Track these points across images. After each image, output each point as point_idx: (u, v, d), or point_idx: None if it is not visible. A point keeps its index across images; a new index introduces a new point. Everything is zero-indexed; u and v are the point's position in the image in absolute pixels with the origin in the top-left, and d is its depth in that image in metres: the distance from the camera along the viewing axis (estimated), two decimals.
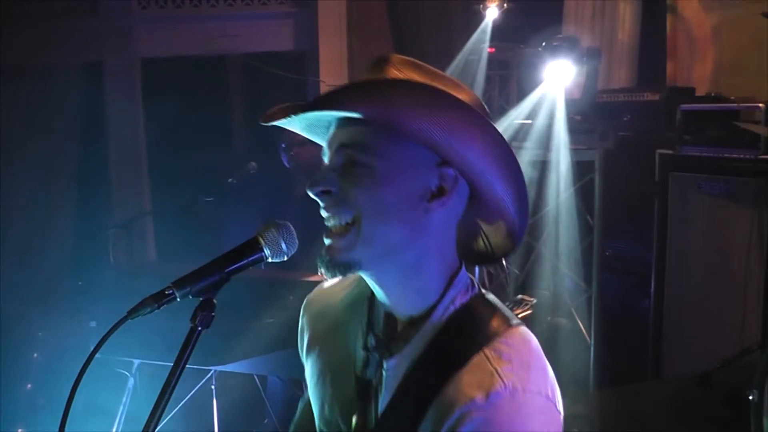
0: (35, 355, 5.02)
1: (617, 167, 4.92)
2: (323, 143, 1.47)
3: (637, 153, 4.91)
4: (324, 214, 1.40)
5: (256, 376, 4.63)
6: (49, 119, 6.04)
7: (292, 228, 1.49)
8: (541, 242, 5.25)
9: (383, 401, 1.42)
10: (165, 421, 4.13)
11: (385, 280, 1.42)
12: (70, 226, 6.28)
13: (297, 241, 1.49)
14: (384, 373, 1.43)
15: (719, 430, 3.75)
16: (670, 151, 4.68)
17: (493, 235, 1.49)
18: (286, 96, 6.44)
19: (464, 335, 1.37)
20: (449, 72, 5.16)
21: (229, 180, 4.80)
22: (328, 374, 1.57)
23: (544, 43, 4.80)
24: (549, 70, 4.78)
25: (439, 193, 1.37)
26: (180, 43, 6.42)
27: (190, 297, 1.43)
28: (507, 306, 1.47)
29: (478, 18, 5.41)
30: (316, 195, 1.40)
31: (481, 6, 5.40)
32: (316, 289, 1.73)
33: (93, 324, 4.03)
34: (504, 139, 1.35)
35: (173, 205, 5.33)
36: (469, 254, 1.51)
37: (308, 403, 1.67)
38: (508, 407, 1.26)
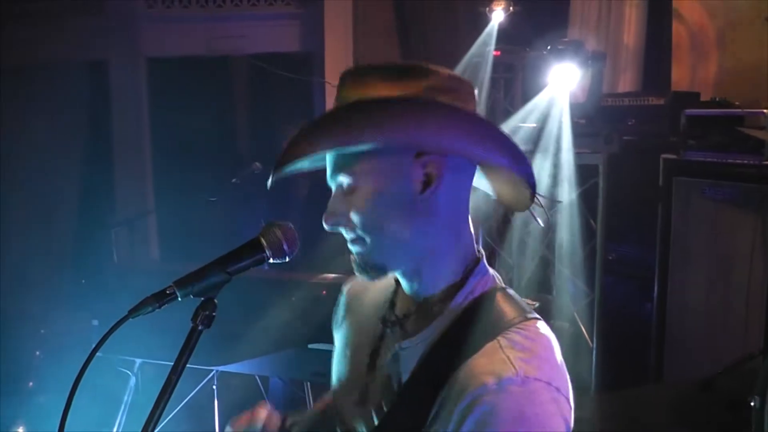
0: (37, 353, 5.04)
1: (621, 171, 4.91)
2: None
3: (641, 157, 4.90)
4: (345, 235, 1.48)
5: (257, 377, 4.63)
6: (54, 117, 6.05)
7: (294, 229, 1.50)
8: (543, 246, 5.25)
9: (400, 383, 1.46)
10: (166, 420, 4.14)
11: (408, 273, 1.48)
12: (74, 224, 6.29)
13: (299, 241, 1.51)
14: (400, 353, 1.47)
15: None
16: (675, 156, 4.67)
17: (510, 187, 1.52)
18: (291, 97, 6.45)
19: (481, 323, 1.41)
20: None
21: (233, 180, 4.81)
22: (349, 349, 1.64)
23: (549, 47, 4.79)
24: (554, 74, 4.77)
25: (429, 180, 1.41)
26: (186, 43, 6.44)
27: (192, 297, 1.44)
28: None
29: (484, 21, 5.41)
30: (331, 228, 1.47)
31: (487, 9, 5.40)
32: (354, 279, 1.76)
33: (95, 322, 4.04)
34: (467, 110, 1.41)
35: (177, 205, 5.34)
36: (508, 204, 1.58)
37: None
38: (518, 393, 1.29)
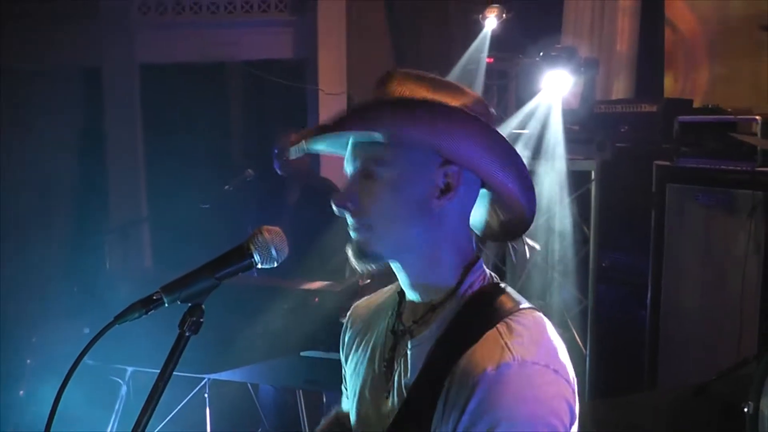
0: (28, 361, 5.01)
1: (614, 178, 4.92)
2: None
3: (635, 164, 4.90)
4: (348, 220, 1.50)
5: (249, 385, 4.62)
6: (47, 123, 6.04)
7: (282, 234, 1.49)
8: (537, 252, 5.24)
9: (409, 381, 1.50)
10: (158, 429, 4.13)
11: (408, 269, 1.53)
12: (67, 232, 6.28)
13: (287, 247, 1.50)
14: (408, 352, 1.51)
15: None
16: (667, 163, 4.67)
17: (509, 215, 1.57)
18: (285, 104, 6.45)
19: (480, 314, 1.46)
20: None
21: (226, 187, 4.80)
22: (363, 364, 1.66)
23: (541, 53, 4.80)
24: (547, 80, 4.77)
25: (447, 189, 1.47)
26: (179, 50, 6.44)
27: (179, 302, 1.43)
28: None
29: (477, 28, 5.41)
30: (339, 209, 1.49)
31: (480, 16, 5.40)
32: (361, 300, 1.86)
33: (86, 330, 4.02)
34: (498, 133, 1.45)
35: (170, 212, 5.33)
36: (491, 232, 1.63)
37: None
38: (516, 377, 1.34)
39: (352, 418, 1.69)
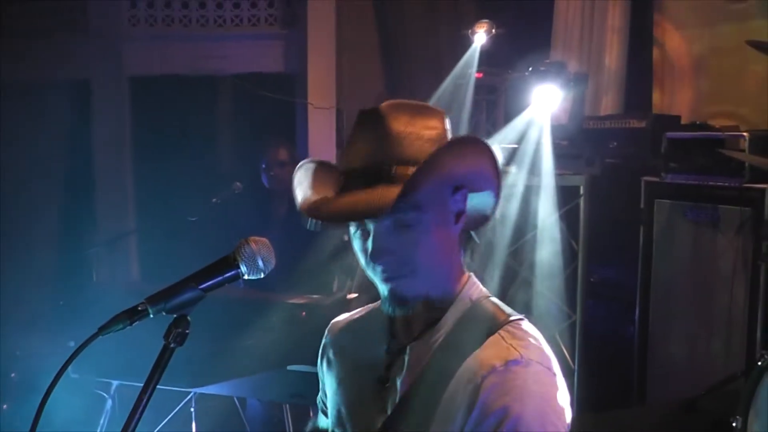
0: (12, 374, 4.97)
1: (603, 193, 4.92)
2: None
3: (623, 180, 4.91)
4: (382, 275, 1.51)
5: (236, 399, 4.58)
6: (35, 136, 6.01)
7: (269, 244, 1.48)
8: (525, 267, 5.23)
9: (404, 385, 1.54)
10: None
11: (420, 296, 1.54)
12: (53, 245, 6.24)
13: (274, 258, 1.48)
14: (405, 358, 1.56)
15: None
16: (656, 179, 4.68)
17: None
18: (274, 117, 6.44)
19: (478, 324, 1.53)
20: (437, 96, 5.18)
21: (213, 200, 4.79)
22: (348, 380, 1.68)
23: (531, 68, 4.80)
24: (536, 95, 4.78)
25: (460, 213, 1.56)
26: (169, 63, 6.43)
27: (164, 314, 1.41)
28: None
29: (467, 43, 5.41)
30: (383, 266, 1.50)
31: (470, 31, 5.40)
32: (337, 319, 1.88)
33: (71, 344, 3.98)
34: (494, 155, 1.52)
35: (157, 225, 5.31)
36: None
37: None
38: (524, 373, 1.42)
39: (332, 429, 1.70)
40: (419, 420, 1.48)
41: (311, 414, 4.28)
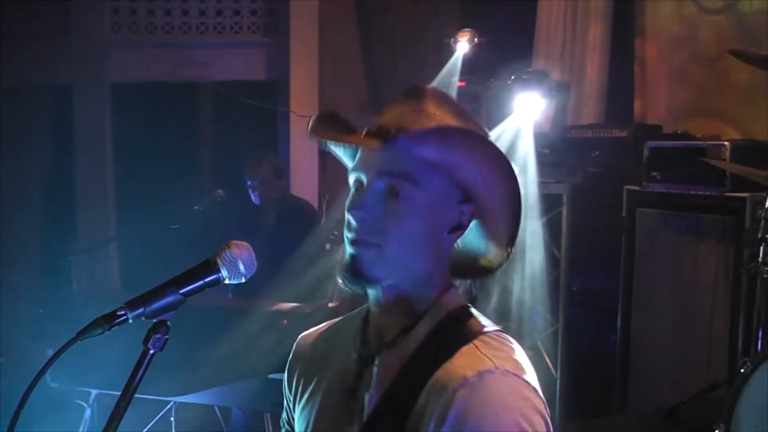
0: None
1: (585, 202, 4.93)
2: (348, 160, 1.53)
3: (605, 188, 4.92)
4: (350, 234, 1.44)
5: (217, 408, 4.55)
6: (16, 141, 5.97)
7: (251, 249, 1.46)
8: (507, 275, 5.22)
9: (373, 398, 1.45)
10: None
11: (391, 294, 1.46)
12: (33, 252, 6.19)
13: (256, 262, 1.46)
14: (374, 369, 1.46)
15: None
16: (638, 188, 4.69)
17: (488, 254, 1.55)
18: (256, 125, 6.44)
19: (452, 334, 1.43)
20: None
21: (195, 207, 4.77)
22: (318, 391, 1.57)
23: (513, 76, 4.81)
24: (518, 103, 4.78)
25: (458, 226, 1.46)
26: (151, 69, 6.41)
27: (144, 318, 1.39)
28: None
29: (450, 51, 5.42)
30: (353, 218, 1.43)
31: (452, 40, 5.42)
32: (307, 332, 1.75)
33: (50, 352, 3.94)
34: (517, 182, 1.45)
35: (138, 232, 5.27)
36: (468, 271, 1.57)
37: None
38: (499, 383, 1.32)
39: None
40: None
41: None
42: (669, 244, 4.56)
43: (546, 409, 1.36)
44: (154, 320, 1.39)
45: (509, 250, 1.51)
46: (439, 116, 1.45)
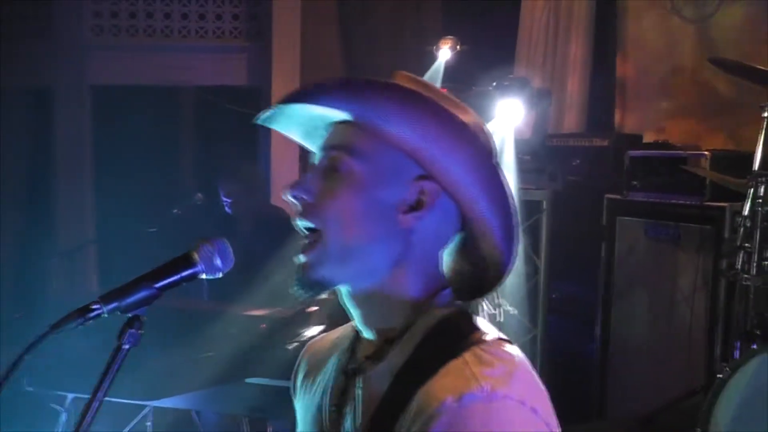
0: None
1: (565, 209, 4.95)
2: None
3: (585, 197, 4.94)
4: (296, 221, 1.34)
5: (194, 413, 4.52)
6: None
7: (227, 244, 1.43)
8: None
9: (357, 421, 1.33)
10: None
11: (358, 293, 1.35)
12: (11, 255, 6.13)
13: (233, 257, 1.44)
14: (359, 393, 1.33)
15: None
16: (618, 196, 4.71)
17: (479, 260, 1.38)
18: (237, 130, 6.42)
19: (443, 344, 1.25)
20: None
21: (174, 210, 4.75)
22: (310, 410, 1.48)
23: (494, 83, 4.82)
24: (499, 109, 4.79)
25: (417, 206, 1.30)
26: (132, 72, 6.37)
27: (119, 313, 1.37)
28: None
29: (432, 58, 5.43)
30: (291, 198, 1.34)
31: (434, 47, 5.42)
32: (318, 337, 1.63)
33: (27, 356, 3.90)
34: (498, 165, 1.32)
35: (117, 235, 5.25)
36: (462, 287, 1.40)
37: None
38: (482, 412, 1.12)
39: None
40: None
41: (269, 428, 4.23)
42: (648, 253, 4.58)
43: (546, 426, 1.18)
44: (129, 315, 1.38)
45: (509, 247, 1.34)
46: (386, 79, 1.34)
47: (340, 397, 1.38)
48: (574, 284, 5.15)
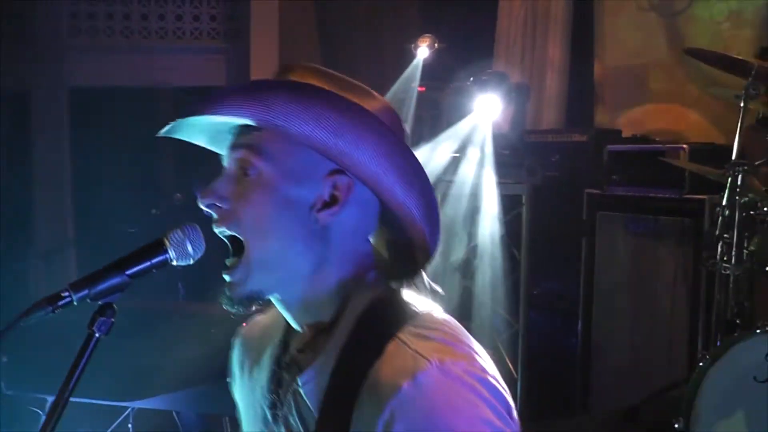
0: None
1: (545, 204, 4.95)
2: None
3: (565, 192, 4.94)
4: (215, 228, 1.35)
5: (175, 413, 4.49)
6: None
7: (199, 230, 1.42)
8: (467, 276, 5.20)
9: (302, 424, 1.33)
10: None
11: (287, 299, 1.36)
12: None
13: (204, 243, 1.42)
14: (300, 390, 1.32)
15: None
16: (598, 191, 4.71)
17: (408, 249, 1.38)
18: None
19: (376, 328, 1.27)
20: None
21: (153, 211, 4.73)
22: (252, 407, 1.49)
23: (472, 78, 4.82)
24: (478, 104, 4.79)
25: (332, 202, 1.31)
26: (110, 74, 6.33)
27: (89, 300, 1.35)
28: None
29: (410, 56, 5.43)
30: (205, 207, 1.35)
31: (413, 45, 5.42)
32: (250, 321, 1.63)
33: (5, 359, 3.88)
34: (409, 148, 1.31)
35: (97, 236, 5.22)
36: (392, 272, 1.40)
37: None
38: (442, 384, 1.16)
39: None
40: None
41: None
42: (629, 247, 4.59)
43: (501, 385, 1.22)
44: (100, 303, 1.35)
45: (433, 227, 1.35)
46: (297, 79, 1.33)
47: (274, 390, 1.39)
48: (556, 280, 5.14)
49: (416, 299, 1.33)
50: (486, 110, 4.76)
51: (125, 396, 3.74)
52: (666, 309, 4.34)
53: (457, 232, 4.95)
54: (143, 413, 4.29)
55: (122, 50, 6.39)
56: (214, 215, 1.34)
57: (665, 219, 4.41)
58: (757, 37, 4.68)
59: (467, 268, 5.13)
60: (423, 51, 5.39)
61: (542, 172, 4.87)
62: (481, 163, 4.82)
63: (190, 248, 1.39)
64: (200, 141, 1.44)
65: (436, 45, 5.40)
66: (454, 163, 4.92)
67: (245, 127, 1.32)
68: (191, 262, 1.41)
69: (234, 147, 1.33)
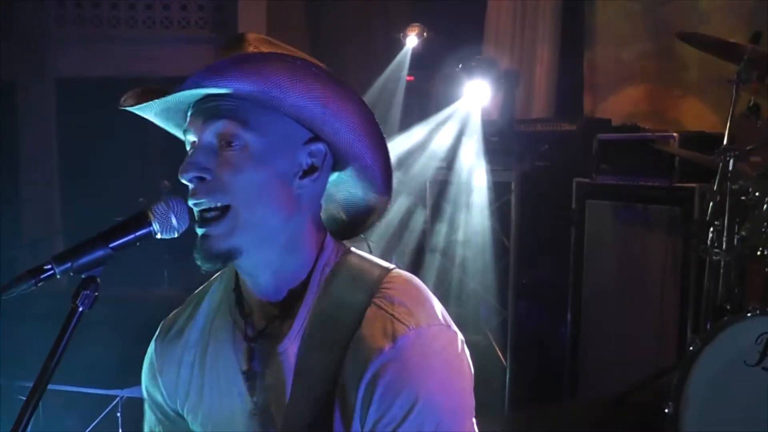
0: None
1: (534, 193, 4.93)
2: (178, 131, 1.45)
3: (555, 181, 4.92)
4: (192, 201, 1.34)
5: None
6: None
7: (184, 203, 1.40)
8: (456, 263, 5.19)
9: (283, 389, 1.36)
10: None
11: (261, 264, 1.38)
12: None
13: (188, 217, 1.40)
14: (280, 357, 1.37)
15: None
16: (587, 180, 4.70)
17: (366, 211, 1.50)
18: None
19: (348, 290, 1.37)
20: (367, 99, 5.14)
21: (140, 199, 4.70)
22: (206, 386, 1.49)
23: (461, 64, 4.80)
24: (467, 90, 4.77)
25: (311, 170, 1.37)
26: (97, 64, 6.30)
27: (71, 274, 1.33)
28: None
29: (400, 46, 5.41)
30: (188, 181, 1.35)
31: (402, 34, 5.41)
32: (165, 321, 1.68)
33: None
34: (372, 112, 1.37)
35: (84, 226, 5.19)
36: (337, 231, 1.50)
37: None
38: (418, 347, 1.29)
39: None
40: (312, 420, 1.32)
41: None
42: (618, 235, 4.58)
43: (462, 339, 1.36)
44: (83, 276, 1.33)
45: (387, 190, 1.45)
46: (253, 50, 1.36)
47: (248, 363, 1.42)
48: (545, 269, 5.13)
49: (379, 261, 1.43)
50: (475, 96, 4.74)
51: (116, 384, 3.73)
52: (655, 297, 4.33)
53: (445, 219, 4.93)
54: (131, 403, 4.27)
55: (109, 40, 6.36)
56: (194, 190, 1.33)
57: (655, 207, 4.39)
58: (744, 25, 4.67)
59: (452, 254, 5.12)
60: (412, 40, 5.38)
61: (531, 160, 4.85)
62: (469, 151, 4.80)
63: (174, 221, 1.37)
64: (148, 115, 1.47)
65: (425, 34, 5.38)
66: (441, 149, 4.90)
67: (223, 101, 1.32)
68: (175, 235, 1.39)
69: (210, 119, 1.33)
